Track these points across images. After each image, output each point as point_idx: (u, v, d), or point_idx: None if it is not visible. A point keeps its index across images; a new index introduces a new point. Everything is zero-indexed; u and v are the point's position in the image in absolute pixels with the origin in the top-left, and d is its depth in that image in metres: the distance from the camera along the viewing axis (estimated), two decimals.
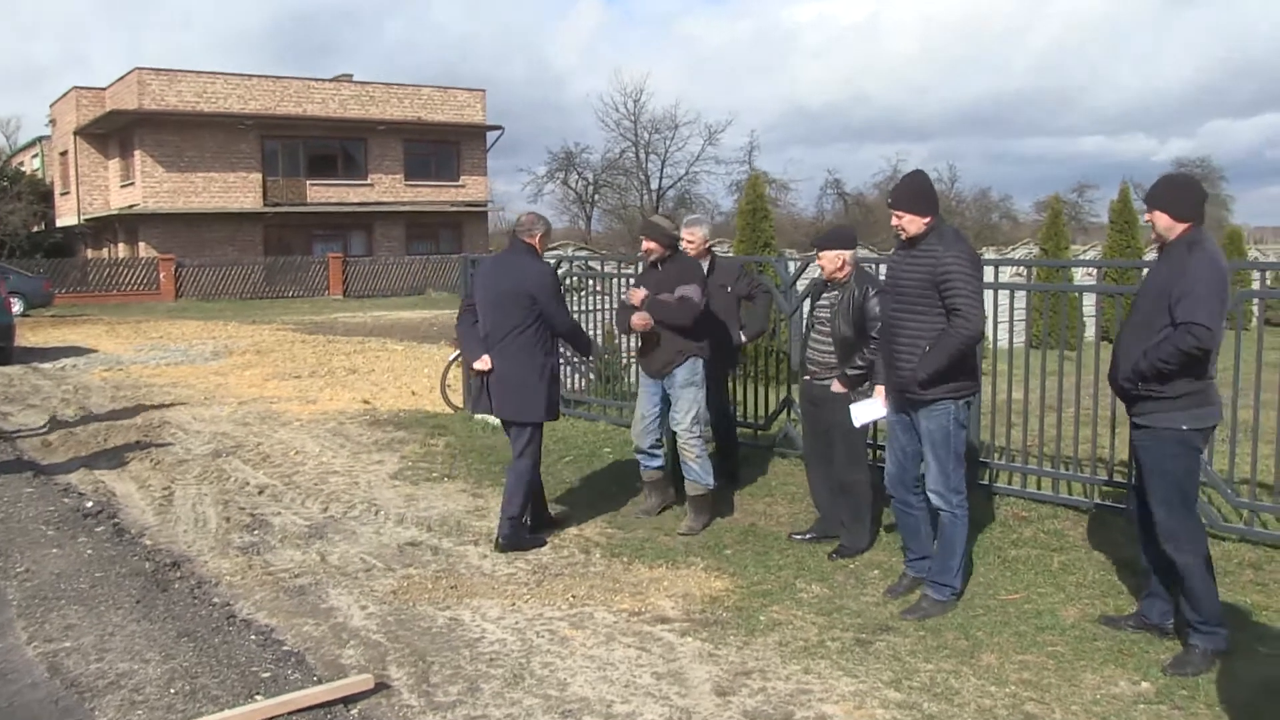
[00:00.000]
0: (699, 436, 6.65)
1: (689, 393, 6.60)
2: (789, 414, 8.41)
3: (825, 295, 6.27)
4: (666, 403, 6.75)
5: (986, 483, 6.93)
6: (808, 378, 6.40)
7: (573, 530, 6.72)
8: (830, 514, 6.39)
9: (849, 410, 5.90)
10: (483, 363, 6.34)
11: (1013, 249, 27.23)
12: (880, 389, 5.59)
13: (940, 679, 4.44)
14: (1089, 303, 20.53)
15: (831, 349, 6.15)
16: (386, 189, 42.71)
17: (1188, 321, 4.31)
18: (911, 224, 5.15)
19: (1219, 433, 6.33)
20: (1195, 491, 4.68)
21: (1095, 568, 5.75)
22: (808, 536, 6.41)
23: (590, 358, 6.78)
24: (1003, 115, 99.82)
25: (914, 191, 5.18)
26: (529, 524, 6.53)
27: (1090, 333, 18.99)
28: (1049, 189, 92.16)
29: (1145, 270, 5.03)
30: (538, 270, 6.41)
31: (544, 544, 6.41)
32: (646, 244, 6.69)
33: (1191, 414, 4.48)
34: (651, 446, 6.92)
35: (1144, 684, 4.40)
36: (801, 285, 8.55)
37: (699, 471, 6.62)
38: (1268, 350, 6.28)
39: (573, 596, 5.51)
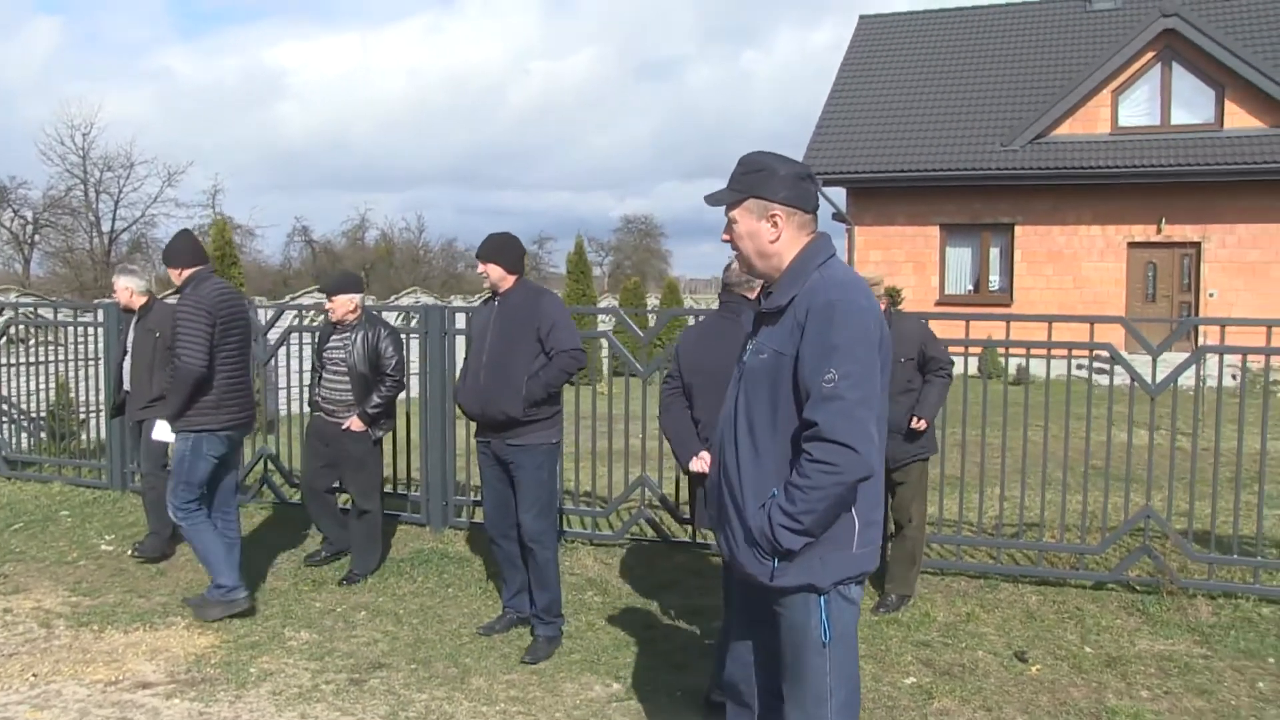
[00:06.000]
0: None
1: None
2: (266, 465, 8.25)
3: (335, 338, 6.53)
4: None
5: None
6: (321, 414, 6.60)
7: (28, 604, 6.10)
8: (338, 535, 6.81)
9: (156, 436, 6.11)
10: (700, 462, 4.63)
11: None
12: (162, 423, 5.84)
13: (434, 706, 4.64)
14: None
15: (349, 387, 6.45)
16: None
17: (569, 349, 5.20)
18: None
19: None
20: (556, 496, 5.61)
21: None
22: (321, 555, 6.80)
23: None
24: (478, 168, 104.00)
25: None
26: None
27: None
28: None
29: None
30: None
31: None
32: None
33: (556, 429, 5.40)
34: None
35: (614, 685, 4.92)
36: (275, 334, 8.47)
37: None
38: None
39: (34, 675, 5.02)
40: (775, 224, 2.93)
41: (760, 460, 2.88)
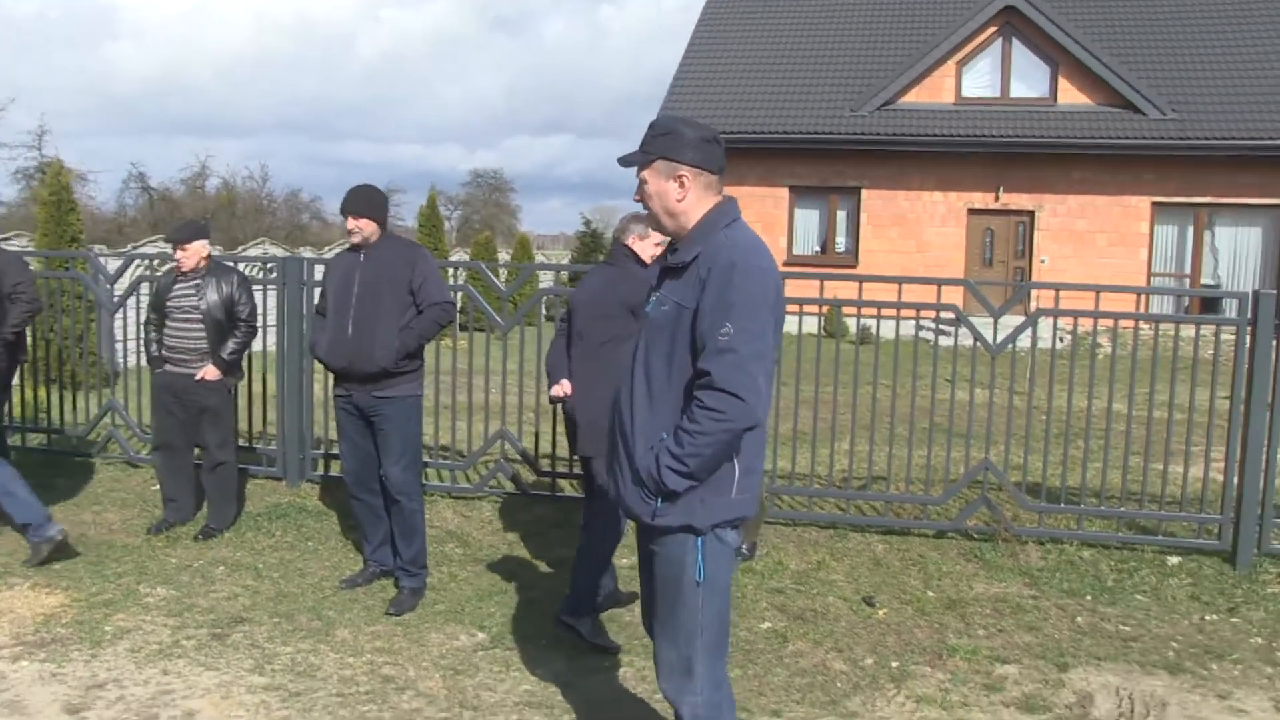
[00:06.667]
0: None
1: None
2: (113, 419, 7.99)
3: (181, 286, 6.35)
4: None
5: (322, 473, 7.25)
6: (169, 367, 6.37)
7: None
8: (185, 502, 6.57)
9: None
10: (559, 389, 5.05)
11: (330, 249, 27.82)
12: None
13: (300, 659, 4.63)
14: None
15: (203, 335, 6.30)
16: None
17: (441, 301, 5.33)
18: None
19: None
20: (421, 449, 5.70)
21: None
22: (168, 523, 6.49)
23: None
24: (324, 118, 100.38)
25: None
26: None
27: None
28: None
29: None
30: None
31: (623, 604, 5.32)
32: None
33: (419, 382, 5.48)
34: None
35: (480, 634, 4.99)
36: (124, 283, 8.18)
37: None
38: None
39: None
40: (682, 184, 3.08)
41: (654, 406, 3.02)
